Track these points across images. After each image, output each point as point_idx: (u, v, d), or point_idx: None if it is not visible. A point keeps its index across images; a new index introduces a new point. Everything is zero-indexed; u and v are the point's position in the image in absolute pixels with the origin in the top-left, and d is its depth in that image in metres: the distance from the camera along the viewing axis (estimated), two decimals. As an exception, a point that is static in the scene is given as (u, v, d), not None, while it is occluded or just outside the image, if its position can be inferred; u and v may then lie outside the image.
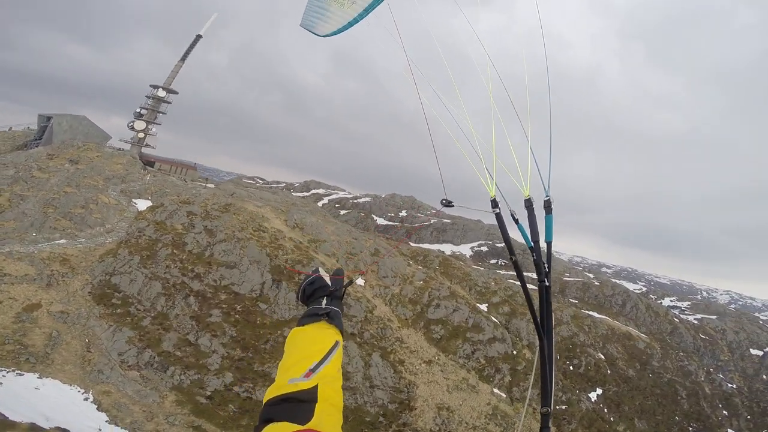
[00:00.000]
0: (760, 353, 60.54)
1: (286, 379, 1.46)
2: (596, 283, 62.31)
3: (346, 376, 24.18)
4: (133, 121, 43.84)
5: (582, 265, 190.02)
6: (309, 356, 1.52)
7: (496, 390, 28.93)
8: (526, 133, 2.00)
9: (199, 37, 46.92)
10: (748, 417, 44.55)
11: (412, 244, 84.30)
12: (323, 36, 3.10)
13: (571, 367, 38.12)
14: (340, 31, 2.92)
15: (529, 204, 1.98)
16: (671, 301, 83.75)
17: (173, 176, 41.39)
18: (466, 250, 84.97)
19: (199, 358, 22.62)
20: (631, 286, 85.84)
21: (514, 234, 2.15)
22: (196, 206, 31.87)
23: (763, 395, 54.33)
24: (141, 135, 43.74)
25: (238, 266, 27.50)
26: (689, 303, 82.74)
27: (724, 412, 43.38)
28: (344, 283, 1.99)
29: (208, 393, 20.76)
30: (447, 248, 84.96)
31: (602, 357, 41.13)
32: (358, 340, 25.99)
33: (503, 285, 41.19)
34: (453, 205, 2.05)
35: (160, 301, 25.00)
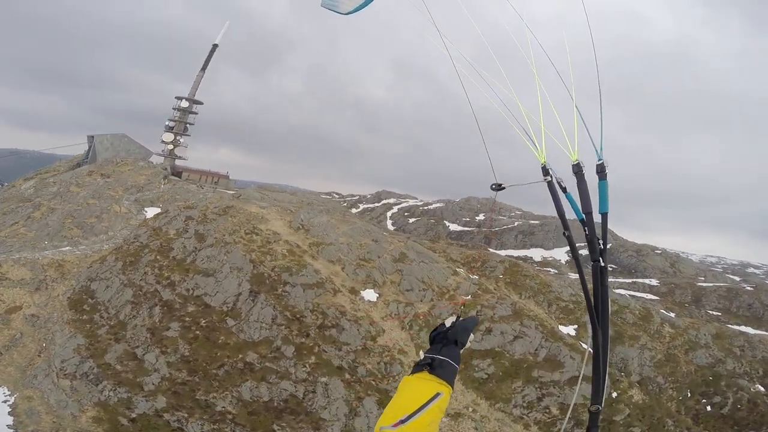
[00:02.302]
0: None
1: (380, 426, 1.46)
2: (748, 288, 44.67)
3: (317, 424, 16.09)
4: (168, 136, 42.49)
5: (720, 266, 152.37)
6: (404, 407, 1.48)
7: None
8: (569, 90, 1.63)
9: (215, 46, 46.34)
10: None
11: (492, 251, 72.73)
12: (346, 14, 2.80)
13: (708, 407, 24.53)
14: (363, 6, 2.66)
15: (578, 169, 1.61)
16: None
17: (196, 185, 38.22)
18: (560, 254, 70.03)
19: (138, 375, 17.86)
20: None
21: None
22: (197, 211, 27.03)
23: None
24: (170, 147, 42.11)
25: (216, 274, 21.43)
26: None
27: None
28: (463, 325, 1.74)
29: (133, 415, 16.42)
30: (536, 253, 71.18)
31: (762, 389, 26.43)
32: (348, 377, 17.72)
33: (600, 294, 29.18)
34: (504, 187, 1.73)
35: (125, 309, 20.74)
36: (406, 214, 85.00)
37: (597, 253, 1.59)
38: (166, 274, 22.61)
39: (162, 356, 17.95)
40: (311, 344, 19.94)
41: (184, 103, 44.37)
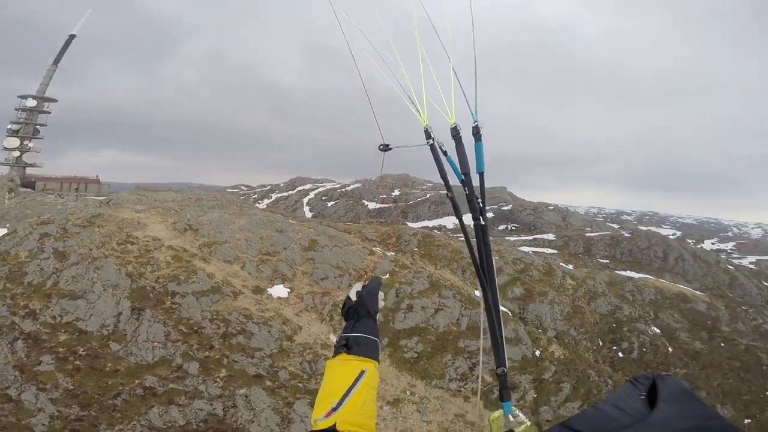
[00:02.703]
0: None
1: (313, 419, 1.40)
2: (626, 235, 50.62)
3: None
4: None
5: (601, 215, 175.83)
6: (332, 393, 1.41)
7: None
8: (447, 54, 1.67)
9: (72, 36, 38.90)
10: None
11: (410, 225, 73.77)
12: None
13: (620, 354, 27.07)
14: None
15: (455, 132, 1.65)
16: (713, 243, 71.27)
17: (54, 195, 31.62)
18: (469, 220, 73.64)
19: (21, 417, 13.89)
20: (662, 232, 73.45)
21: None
22: (54, 225, 21.83)
23: None
24: (16, 153, 34.20)
25: (86, 295, 17.38)
26: (734, 244, 70.28)
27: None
28: (370, 293, 1.70)
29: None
30: (449, 221, 73.78)
31: (657, 331, 30.04)
32: (269, 383, 15.64)
33: (511, 257, 30.16)
34: (390, 148, 1.72)
35: (-27, 354, 15.73)
36: (323, 198, 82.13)
37: (477, 212, 1.61)
38: (23, 303, 17.98)
39: (42, 393, 14.12)
40: (218, 356, 17.38)
41: (31, 102, 35.91)
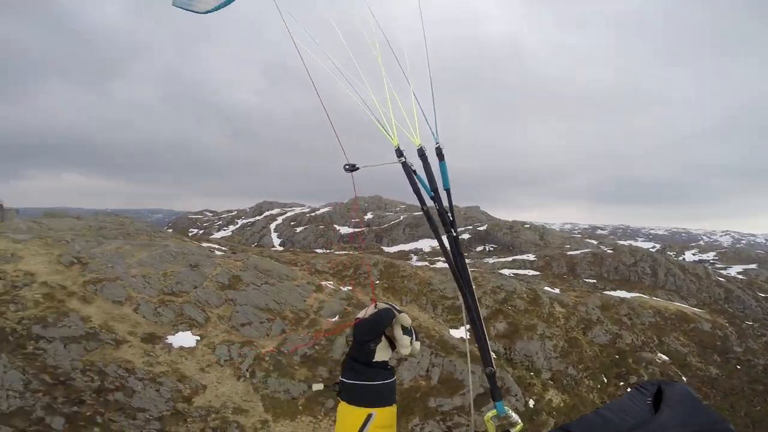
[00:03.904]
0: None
1: None
2: (609, 251, 46.80)
3: None
4: None
5: (576, 231, 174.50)
6: None
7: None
8: (408, 80, 1.74)
9: None
10: None
11: (386, 249, 68.62)
12: (204, 12, 2.20)
13: (628, 390, 22.29)
14: (224, 4, 2.12)
15: (421, 153, 1.71)
16: (693, 254, 68.54)
17: None
18: (446, 242, 69.27)
19: None
20: (642, 246, 70.44)
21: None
22: None
23: None
24: None
25: None
26: (715, 254, 67.68)
27: None
28: (360, 328, 1.46)
29: None
30: (425, 244, 69.12)
31: (666, 358, 25.41)
32: None
33: (490, 285, 25.21)
34: (358, 168, 1.69)
35: None
36: (292, 223, 76.40)
37: (449, 225, 1.69)
38: None
39: None
40: (90, 413, 12.35)
41: None
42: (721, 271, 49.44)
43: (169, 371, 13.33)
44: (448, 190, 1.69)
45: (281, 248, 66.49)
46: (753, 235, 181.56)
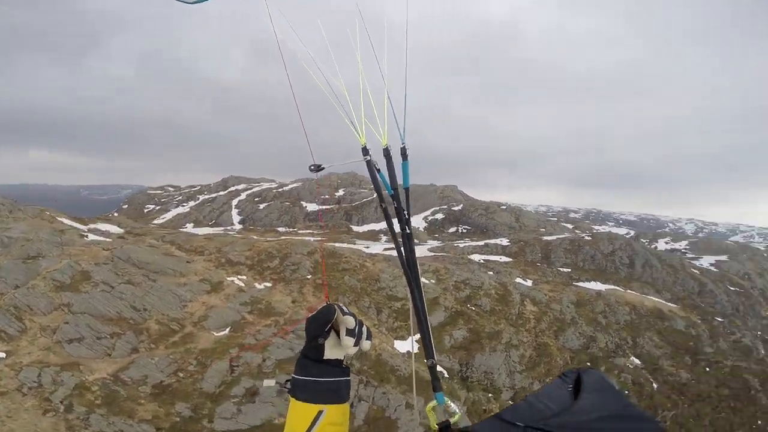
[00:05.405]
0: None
1: None
2: (587, 238, 44.24)
3: None
4: None
5: (550, 213, 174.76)
6: None
7: None
8: (384, 79, 1.80)
9: None
10: None
11: (355, 228, 64.84)
12: (192, 3, 2.35)
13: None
14: None
15: (387, 152, 1.80)
16: (666, 243, 67.42)
17: None
18: (418, 222, 65.90)
19: None
20: (612, 231, 68.93)
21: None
22: None
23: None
24: None
25: None
26: (687, 243, 66.69)
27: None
28: (308, 323, 1.40)
29: None
30: (398, 225, 65.83)
31: (638, 362, 22.89)
32: None
33: (453, 280, 21.63)
34: (323, 168, 1.75)
35: None
36: (256, 199, 71.22)
37: (404, 222, 1.72)
38: None
39: None
40: None
41: None
42: (694, 262, 47.93)
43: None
44: (406, 189, 1.76)
45: (240, 226, 61.56)
46: (715, 224, 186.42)
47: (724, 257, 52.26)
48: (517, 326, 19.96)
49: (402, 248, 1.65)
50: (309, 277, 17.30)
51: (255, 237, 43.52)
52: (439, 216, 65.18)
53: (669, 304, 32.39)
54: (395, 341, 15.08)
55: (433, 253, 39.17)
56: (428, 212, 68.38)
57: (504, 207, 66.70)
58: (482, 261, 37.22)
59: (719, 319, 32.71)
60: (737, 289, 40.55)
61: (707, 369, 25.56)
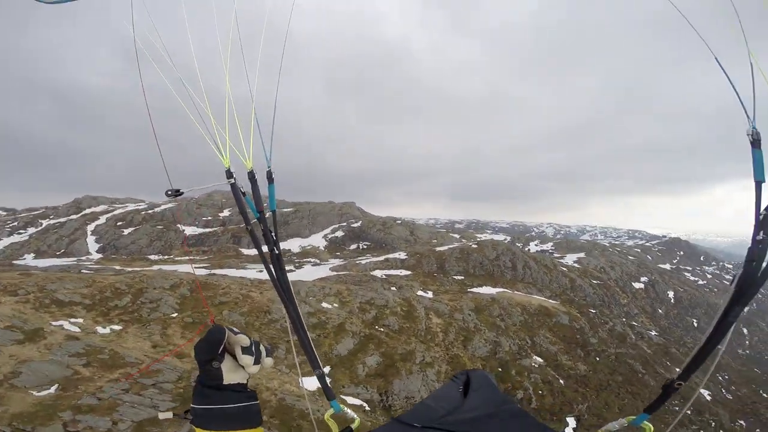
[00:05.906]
0: (641, 285, 53.97)
1: None
2: (474, 246, 46.81)
3: None
4: None
5: (439, 225, 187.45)
6: None
7: None
8: (252, 100, 1.75)
9: None
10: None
11: (245, 252, 58.80)
12: (50, 3, 2.10)
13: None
14: None
15: (252, 176, 1.78)
16: (536, 245, 76.40)
17: None
18: (318, 240, 63.07)
19: None
20: (493, 238, 75.80)
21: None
22: None
23: (673, 330, 46.33)
24: None
25: None
26: (552, 244, 76.46)
27: (677, 369, 31.23)
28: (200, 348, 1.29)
29: None
30: (294, 244, 61.67)
31: (541, 360, 23.82)
32: None
33: (358, 301, 19.71)
34: (182, 192, 1.62)
35: None
36: (119, 224, 59.91)
37: (272, 243, 1.74)
38: None
39: None
40: None
41: None
42: (561, 261, 54.26)
43: None
44: (273, 212, 1.76)
45: (99, 255, 50.95)
46: (568, 226, 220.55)
47: (582, 254, 60.63)
48: (426, 342, 18.87)
49: (272, 266, 1.65)
50: (174, 315, 13.46)
51: (118, 267, 35.73)
52: (339, 234, 63.42)
53: (550, 301, 35.40)
54: (302, 378, 12.49)
55: (336, 273, 36.95)
56: (328, 230, 66.08)
57: (399, 222, 68.42)
58: (384, 276, 36.33)
59: (592, 311, 36.82)
60: (598, 282, 46.93)
61: (597, 359, 27.92)
